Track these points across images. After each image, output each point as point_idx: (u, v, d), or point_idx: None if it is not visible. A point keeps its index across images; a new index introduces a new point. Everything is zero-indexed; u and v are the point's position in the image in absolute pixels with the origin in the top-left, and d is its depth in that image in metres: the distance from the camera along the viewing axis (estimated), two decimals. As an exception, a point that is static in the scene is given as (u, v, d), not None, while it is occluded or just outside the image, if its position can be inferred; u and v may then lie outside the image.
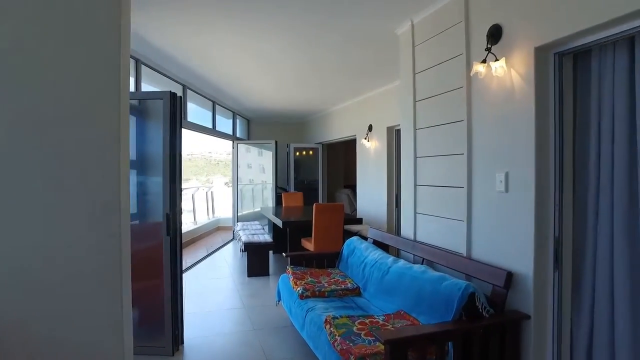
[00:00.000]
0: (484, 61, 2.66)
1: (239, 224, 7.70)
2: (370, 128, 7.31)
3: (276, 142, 9.34)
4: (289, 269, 4.13)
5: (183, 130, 6.61)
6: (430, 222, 3.49)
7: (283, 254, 4.33)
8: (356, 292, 3.71)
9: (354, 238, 4.39)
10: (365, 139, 7.37)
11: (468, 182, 2.97)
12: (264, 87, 6.98)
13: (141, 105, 3.61)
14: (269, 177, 9.67)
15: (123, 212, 1.96)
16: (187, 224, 9.50)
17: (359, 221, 6.17)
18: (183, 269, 6.65)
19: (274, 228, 7.29)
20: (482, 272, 2.69)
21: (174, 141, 3.51)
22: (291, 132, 10.88)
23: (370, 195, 7.40)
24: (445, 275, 2.79)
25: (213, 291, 5.37)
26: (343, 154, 11.81)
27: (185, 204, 10.18)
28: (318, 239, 5.58)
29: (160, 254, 3.53)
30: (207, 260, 7.20)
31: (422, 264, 3.42)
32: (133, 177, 4.02)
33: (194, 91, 6.84)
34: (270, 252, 6.32)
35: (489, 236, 2.77)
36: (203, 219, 10.50)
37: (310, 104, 8.64)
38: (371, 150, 7.33)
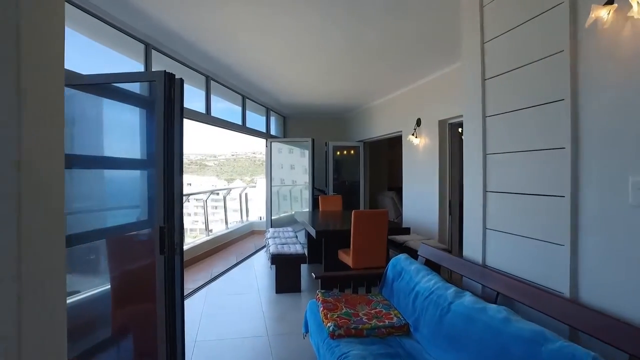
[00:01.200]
0: (610, 1, 1.71)
1: (270, 230, 6.97)
2: (418, 122, 6.36)
3: (313, 140, 8.56)
4: (319, 294, 3.31)
5: (208, 126, 6.00)
6: (508, 243, 2.55)
7: (312, 274, 3.53)
8: (404, 330, 2.84)
9: (402, 257, 3.50)
10: (413, 134, 6.43)
11: (573, 189, 2.02)
12: (298, 78, 6.21)
13: (152, 94, 2.92)
14: (305, 178, 8.91)
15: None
16: (233, 223, 8.95)
17: (406, 231, 5.24)
18: (210, 278, 6.07)
19: (309, 235, 6.51)
20: (604, 329, 1.73)
21: (171, 134, 2.77)
22: (330, 130, 10.07)
23: (418, 199, 6.45)
24: (543, 331, 1.85)
25: (234, 311, 4.64)
26: (387, 153, 10.86)
27: (232, 204, 9.71)
28: (357, 252, 4.73)
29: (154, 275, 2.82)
30: (235, 270, 6.53)
31: (495, 300, 2.49)
32: (139, 179, 3.37)
33: (219, 83, 6.18)
34: (304, 264, 5.51)
35: (613, 271, 1.81)
36: (236, 222, 9.91)
37: (349, 97, 7.79)
38: (419, 148, 6.38)
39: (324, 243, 5.22)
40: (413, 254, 5.46)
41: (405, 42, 4.49)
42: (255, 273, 6.34)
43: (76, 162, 3.09)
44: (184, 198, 6.97)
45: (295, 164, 9.33)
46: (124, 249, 3.33)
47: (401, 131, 7.14)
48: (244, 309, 4.71)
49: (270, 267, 5.84)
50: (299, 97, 7.65)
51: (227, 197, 9.41)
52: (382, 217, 4.79)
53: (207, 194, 8.40)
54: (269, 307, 4.76)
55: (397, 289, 3.27)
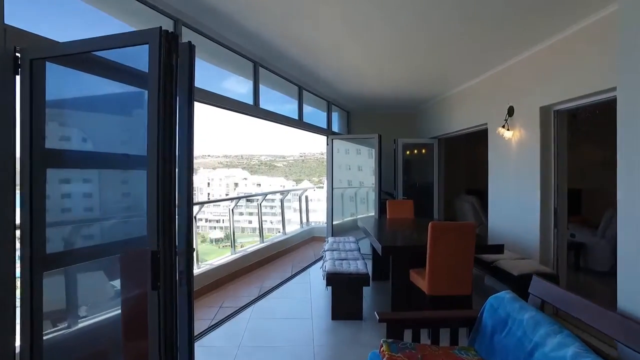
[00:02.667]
0: None
1: (329, 240, 6.07)
2: (510, 111, 5.13)
3: (379, 137, 7.54)
4: (384, 347, 2.34)
5: (260, 120, 5.25)
6: None
7: (376, 313, 2.57)
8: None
9: (505, 296, 2.42)
10: (503, 126, 5.20)
11: None
12: (363, 63, 5.26)
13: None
14: (372, 180, 7.92)
15: None
16: (295, 227, 8.25)
17: (499, 249, 4.07)
18: (259, 294, 5.32)
19: (373, 246, 5.53)
20: None
21: (171, 120, 1.96)
22: (399, 126, 8.96)
23: (509, 206, 5.20)
24: None
25: (278, 342, 3.80)
26: (466, 151, 9.53)
27: (291, 204, 9.03)
28: (435, 275, 3.68)
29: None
30: (289, 285, 5.73)
31: None
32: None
33: (270, 70, 5.40)
34: (366, 286, 4.53)
35: None
36: (295, 227, 9.17)
37: (422, 86, 6.68)
38: (512, 143, 5.13)
39: (392, 260, 4.21)
40: (505, 277, 4.28)
41: (492, 9, 3.36)
42: (311, 289, 5.48)
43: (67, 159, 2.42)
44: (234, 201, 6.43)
45: (361, 164, 8.37)
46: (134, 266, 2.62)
47: (486, 124, 5.90)
48: (291, 338, 3.85)
49: (326, 289, 4.94)
50: (364, 87, 6.69)
51: (285, 200, 8.70)
52: (468, 232, 3.69)
53: (262, 197, 7.73)
54: (321, 338, 3.86)
55: (500, 345, 2.21)
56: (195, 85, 2.17)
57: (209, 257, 6.07)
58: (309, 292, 5.33)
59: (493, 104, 5.61)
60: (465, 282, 3.73)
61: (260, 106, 5.04)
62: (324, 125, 7.67)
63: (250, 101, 4.88)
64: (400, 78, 6.07)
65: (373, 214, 7.72)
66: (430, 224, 3.65)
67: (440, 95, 7.46)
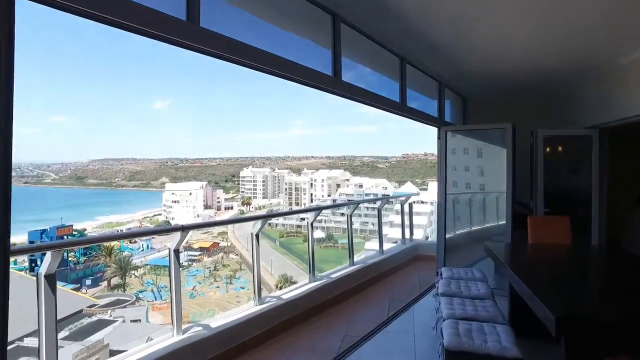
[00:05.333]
0: None
1: (443, 273, 4.22)
2: None
3: (514, 127, 5.46)
4: None
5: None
6: None
7: None
8: None
9: None
10: None
11: None
12: (501, 22, 3.39)
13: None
14: (500, 185, 5.88)
15: None
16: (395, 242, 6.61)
17: None
18: (340, 351, 3.68)
19: (513, 295, 3.59)
20: None
21: None
22: (537, 114, 6.66)
23: None
24: None
25: None
26: None
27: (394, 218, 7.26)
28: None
29: None
30: (385, 333, 4.07)
31: None
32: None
33: (354, 28, 3.78)
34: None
35: None
36: (395, 243, 7.43)
37: (580, 52, 4.51)
38: None
39: (570, 339, 2.32)
40: None
41: None
42: (417, 345, 3.75)
43: None
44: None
45: (483, 164, 6.32)
46: None
47: None
48: None
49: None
50: (494, 57, 4.74)
51: (383, 210, 7.00)
52: None
53: (351, 207, 6.11)
54: None
55: None
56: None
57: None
58: (413, 352, 3.61)
59: None
60: None
61: (343, 79, 3.46)
62: (434, 113, 5.82)
63: (328, 71, 3.33)
64: (553, 40, 4.03)
65: (493, 224, 5.68)
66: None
67: (606, 63, 5.12)
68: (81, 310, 33.73)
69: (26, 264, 55.70)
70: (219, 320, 3.62)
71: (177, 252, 3.30)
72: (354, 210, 5.99)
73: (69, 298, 34.86)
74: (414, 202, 8.38)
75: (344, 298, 5.09)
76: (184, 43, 2.18)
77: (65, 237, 54.11)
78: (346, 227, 5.90)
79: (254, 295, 4.06)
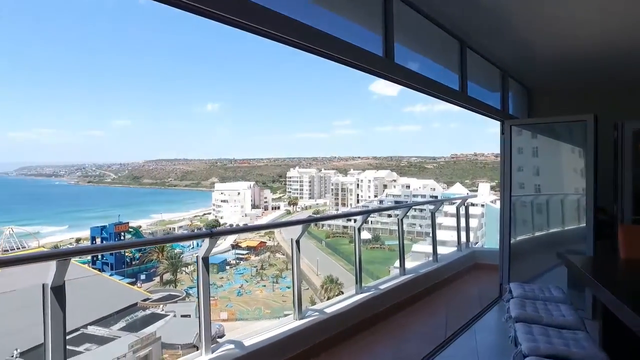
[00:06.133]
0: None
1: (513, 290, 3.57)
2: None
3: (596, 119, 4.69)
4: None
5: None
6: None
7: None
8: None
9: None
10: None
11: None
12: None
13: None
14: (557, 184, 5.12)
15: None
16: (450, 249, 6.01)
17: None
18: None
19: (609, 323, 2.92)
20: None
21: None
22: (617, 104, 5.78)
23: None
24: None
25: None
26: None
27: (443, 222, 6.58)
28: None
29: None
30: (442, 358, 3.51)
31: None
32: None
33: (405, 1, 3.25)
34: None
35: None
36: (450, 249, 6.78)
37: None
38: None
39: None
40: None
41: None
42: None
43: None
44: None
45: (539, 163, 5.54)
46: None
47: None
48: None
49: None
50: (568, 37, 4.04)
51: (437, 213, 6.39)
52: None
53: (403, 210, 5.55)
54: None
55: None
56: None
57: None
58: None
59: None
60: None
61: (396, 61, 2.96)
62: (497, 105, 5.15)
63: (378, 51, 2.84)
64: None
65: (557, 229, 4.94)
66: None
67: None
68: (136, 304, 35.20)
69: (88, 257, 59.19)
70: (254, 337, 3.22)
71: (206, 260, 2.94)
72: (405, 214, 5.43)
73: (125, 291, 36.53)
74: (470, 204, 7.64)
75: (394, 312, 4.57)
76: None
77: (122, 234, 57.08)
78: (394, 228, 5.42)
79: (293, 308, 3.65)
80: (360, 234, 4.52)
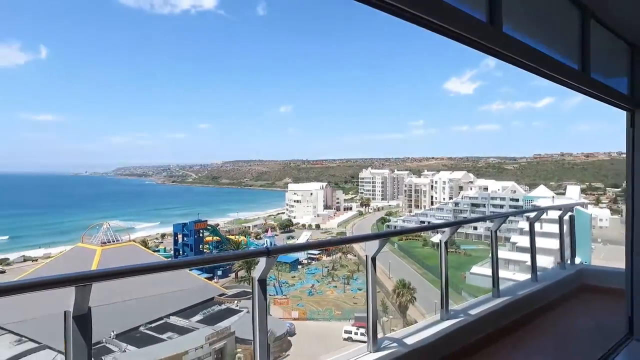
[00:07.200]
0: None
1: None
2: None
3: None
4: None
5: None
6: None
7: None
8: None
9: None
10: None
11: None
12: None
13: None
14: None
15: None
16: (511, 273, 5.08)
17: None
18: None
19: None
20: None
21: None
22: None
23: None
24: None
25: None
26: None
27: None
28: None
29: None
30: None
31: None
32: None
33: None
34: None
35: None
36: (547, 263, 5.70)
37: None
38: None
39: None
40: None
41: None
42: None
43: None
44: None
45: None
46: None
47: None
48: None
49: None
50: None
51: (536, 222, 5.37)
52: None
53: (499, 220, 4.65)
54: None
55: None
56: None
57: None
58: None
59: None
60: None
61: (504, 30, 2.21)
62: (624, 89, 4.09)
63: (481, 16, 2.13)
64: None
65: None
66: None
67: None
68: (213, 298, 36.76)
69: (172, 252, 63.19)
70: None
71: (262, 282, 2.43)
72: (499, 226, 4.54)
73: (203, 286, 38.33)
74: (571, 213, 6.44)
75: (486, 344, 3.75)
76: None
77: (200, 231, 60.22)
78: (470, 232, 4.54)
79: (367, 338, 3.02)
80: (446, 248, 3.76)
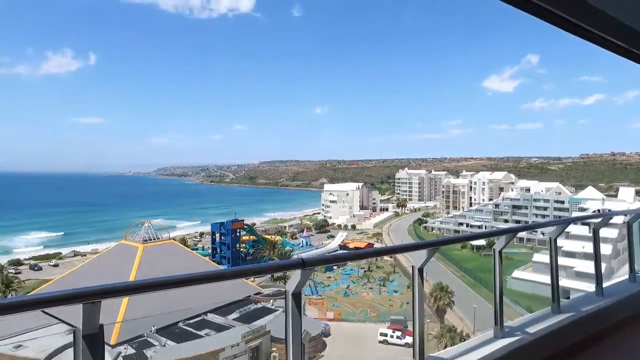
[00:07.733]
0: None
1: None
2: None
3: None
4: None
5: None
6: None
7: None
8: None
9: None
10: None
11: None
12: None
13: None
14: None
15: None
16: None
17: None
18: None
19: None
20: None
21: None
22: None
23: None
24: None
25: None
26: None
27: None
28: None
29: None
30: None
31: None
32: None
33: None
34: None
35: None
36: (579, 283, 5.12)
37: None
38: None
39: None
40: None
41: None
42: None
43: None
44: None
45: None
46: None
47: None
48: None
49: None
50: None
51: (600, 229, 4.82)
52: None
53: (557, 226, 4.18)
54: None
55: None
56: None
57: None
58: None
59: None
60: None
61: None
62: None
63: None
64: None
65: None
66: None
67: None
68: (249, 297, 37.12)
69: (209, 250, 64.66)
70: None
71: (297, 296, 2.15)
72: (560, 233, 4.07)
73: (240, 285, 38.75)
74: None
75: (549, 367, 3.32)
76: None
77: (237, 230, 61.16)
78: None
79: (413, 357, 2.69)
80: (501, 258, 3.36)
